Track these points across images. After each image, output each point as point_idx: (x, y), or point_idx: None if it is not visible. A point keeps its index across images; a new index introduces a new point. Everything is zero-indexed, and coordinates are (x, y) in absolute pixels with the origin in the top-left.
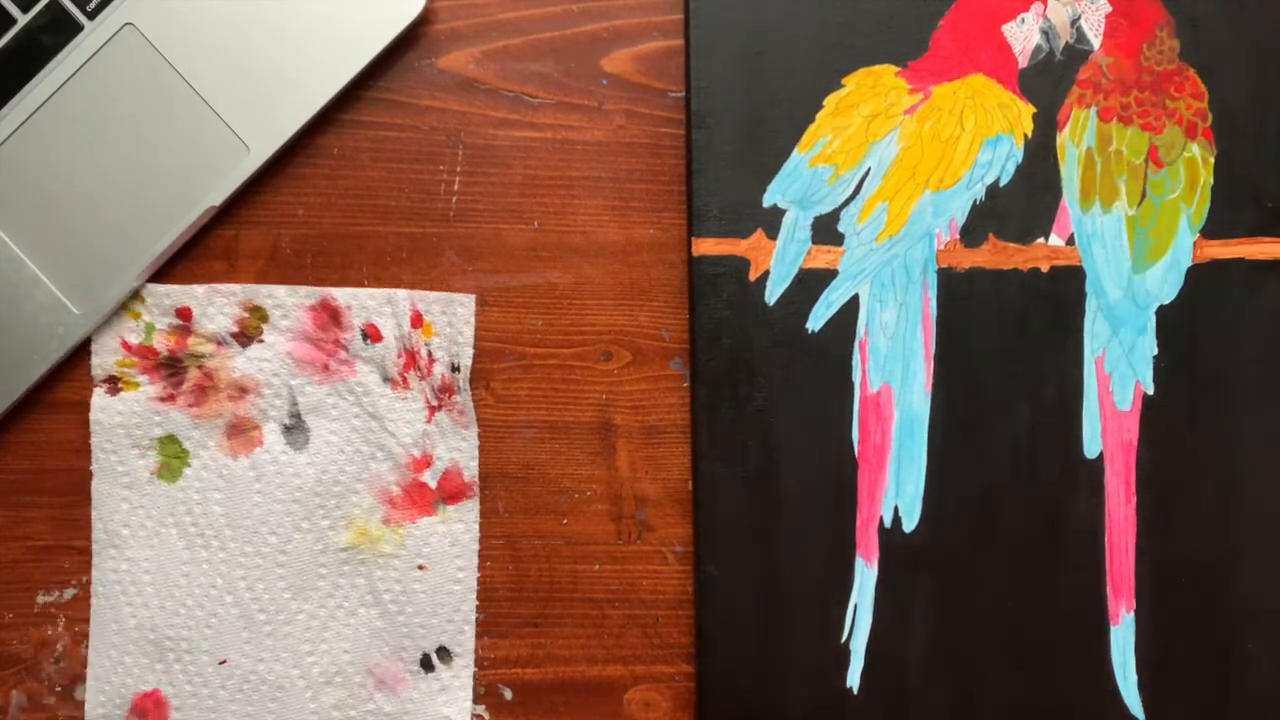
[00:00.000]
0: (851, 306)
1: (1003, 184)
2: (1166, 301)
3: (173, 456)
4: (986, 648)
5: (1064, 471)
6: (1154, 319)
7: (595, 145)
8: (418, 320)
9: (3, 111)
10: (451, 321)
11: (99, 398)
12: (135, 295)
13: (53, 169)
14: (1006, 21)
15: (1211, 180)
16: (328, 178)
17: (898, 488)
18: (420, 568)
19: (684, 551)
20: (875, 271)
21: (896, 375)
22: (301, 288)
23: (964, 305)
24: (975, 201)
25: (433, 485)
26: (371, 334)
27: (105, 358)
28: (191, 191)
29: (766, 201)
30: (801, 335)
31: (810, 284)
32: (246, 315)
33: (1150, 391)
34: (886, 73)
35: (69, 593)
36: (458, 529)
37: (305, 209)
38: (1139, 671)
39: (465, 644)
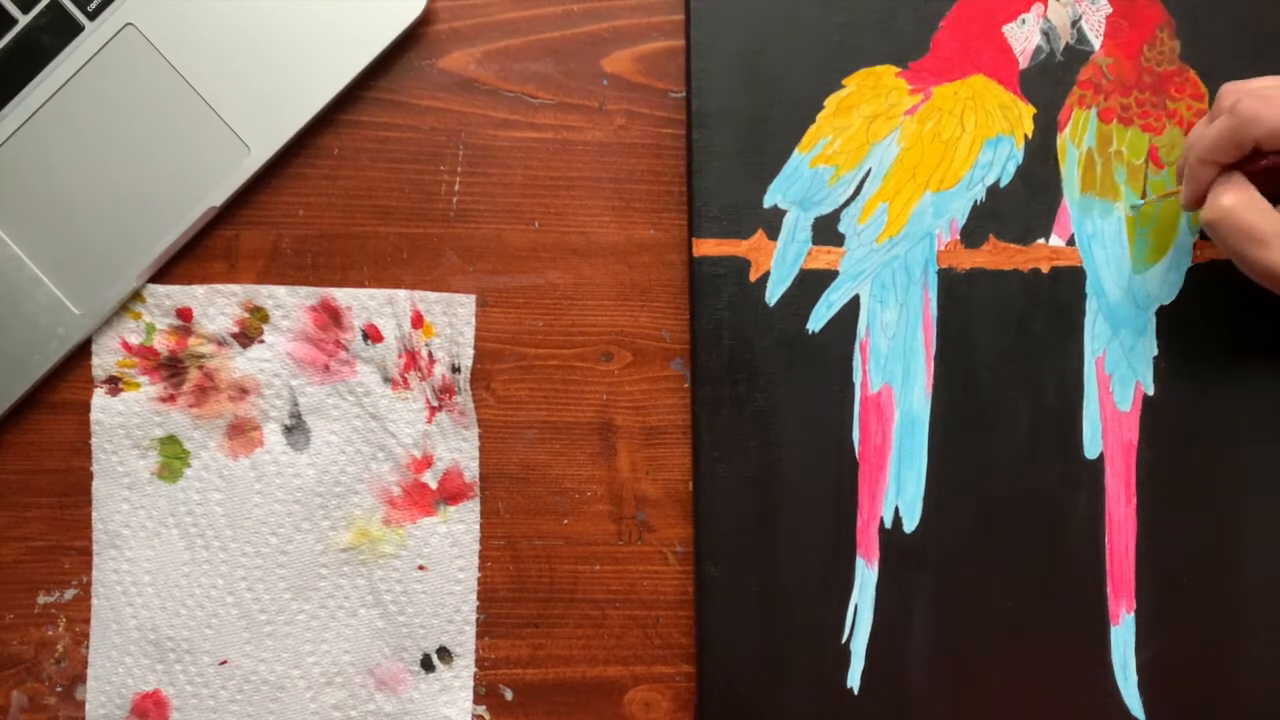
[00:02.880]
0: (852, 307)
1: (1003, 185)
2: (1166, 302)
3: (173, 457)
4: (986, 648)
5: (1064, 472)
6: (1154, 320)
7: (595, 145)
8: (418, 321)
9: (3, 112)
10: (452, 322)
11: (99, 398)
12: (135, 295)
13: (53, 169)
14: (1007, 22)
15: None
16: (328, 178)
17: (898, 488)
18: (421, 568)
19: (684, 551)
20: (876, 272)
21: (897, 375)
22: (302, 288)
23: (964, 306)
24: (975, 202)
25: (433, 486)
26: (372, 334)
27: (106, 358)
28: (191, 191)
29: (767, 202)
30: (802, 336)
31: (811, 285)
32: (247, 315)
33: (1150, 392)
34: (887, 73)
35: (69, 593)
36: (458, 529)
37: (305, 209)
38: (1139, 671)
39: (466, 644)
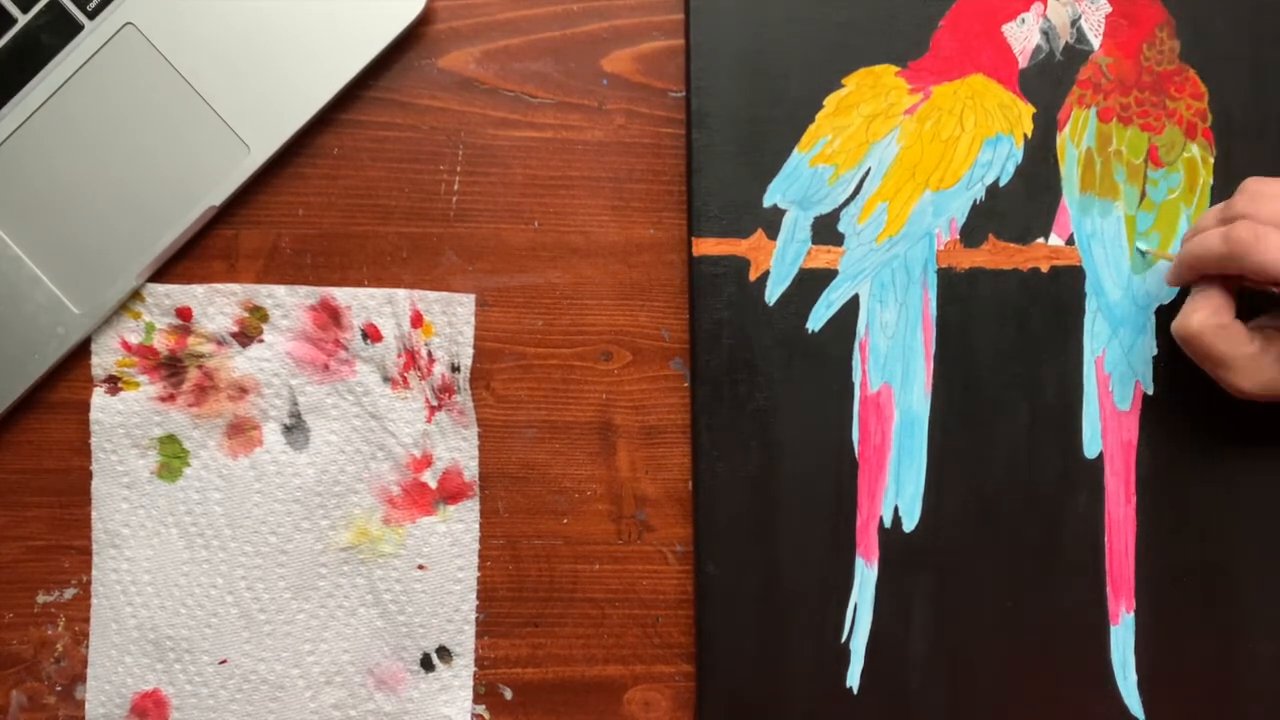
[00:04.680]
0: (851, 306)
1: (1002, 184)
2: (1166, 301)
3: (173, 456)
4: (987, 648)
5: (1064, 471)
6: (1154, 319)
7: (595, 145)
8: (418, 320)
9: (3, 111)
10: (451, 321)
11: (99, 397)
12: (135, 295)
13: (53, 169)
14: (1006, 21)
15: (1211, 180)
16: (328, 178)
17: (898, 488)
18: (420, 567)
19: (684, 551)
20: (875, 271)
21: (896, 375)
22: (301, 287)
23: (964, 305)
24: (975, 201)
25: (433, 485)
26: (371, 334)
27: (105, 357)
28: (191, 191)
29: (766, 201)
30: (801, 335)
31: (810, 284)
32: (246, 315)
33: (1150, 391)
34: (886, 73)
35: (69, 592)
36: (458, 529)
37: (305, 209)
38: (1139, 671)
39: (465, 644)
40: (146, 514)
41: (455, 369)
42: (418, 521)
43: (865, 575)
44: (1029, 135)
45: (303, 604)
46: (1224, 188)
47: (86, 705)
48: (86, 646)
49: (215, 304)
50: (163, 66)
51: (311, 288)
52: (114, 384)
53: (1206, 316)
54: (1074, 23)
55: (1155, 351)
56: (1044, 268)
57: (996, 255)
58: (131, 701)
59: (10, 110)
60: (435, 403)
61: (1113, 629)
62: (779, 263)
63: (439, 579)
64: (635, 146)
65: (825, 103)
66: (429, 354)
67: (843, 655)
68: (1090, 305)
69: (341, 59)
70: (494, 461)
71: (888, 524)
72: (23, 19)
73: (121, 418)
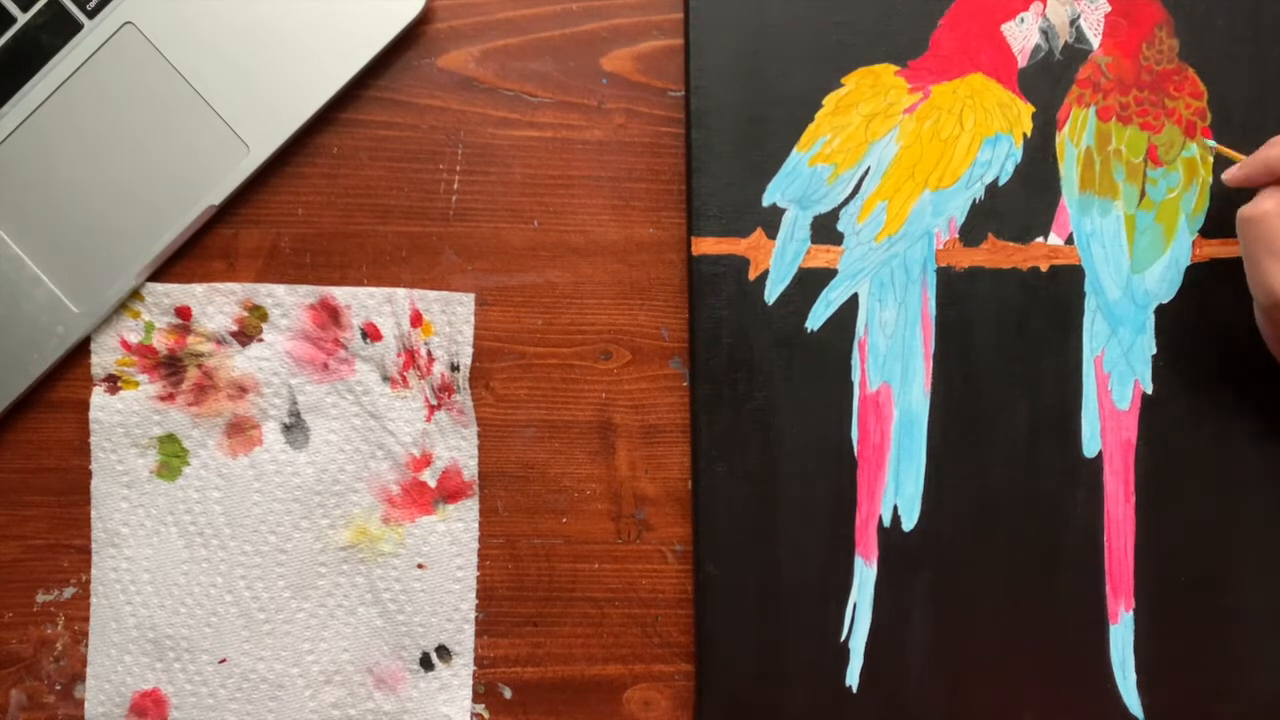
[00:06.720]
0: (851, 306)
1: (1002, 183)
2: (1165, 300)
3: (172, 455)
4: (985, 646)
5: (1063, 471)
6: (1153, 318)
7: (595, 145)
8: (417, 319)
9: (2, 110)
10: (451, 321)
11: (98, 397)
12: (135, 294)
13: (53, 168)
14: (1006, 21)
15: (1210, 179)
16: (327, 177)
17: (897, 487)
18: (420, 567)
19: (684, 551)
20: (874, 271)
21: (896, 374)
22: (301, 287)
23: (963, 304)
24: (974, 201)
25: (432, 484)
26: (371, 333)
27: (105, 357)
28: (191, 191)
29: (766, 201)
30: (801, 334)
31: (810, 283)
32: (246, 314)
33: (1149, 391)
34: (886, 72)
35: (69, 592)
36: (457, 528)
37: (305, 208)
38: (1138, 671)
39: (465, 643)
40: (146, 513)
41: (455, 368)
42: (417, 521)
43: (865, 574)
44: (1028, 134)
45: (302, 603)
46: (1223, 187)
47: (86, 704)
48: (86, 646)
49: (215, 303)
50: (162, 66)
51: (311, 287)
52: (113, 383)
53: None
54: (1073, 22)
55: (1154, 351)
56: (1043, 267)
57: (996, 254)
58: (131, 700)
59: (10, 110)
60: (435, 402)
61: (1112, 628)
62: (778, 262)
63: (438, 578)
64: (635, 146)
65: (824, 102)
66: (428, 353)
67: (842, 654)
68: (1089, 304)
69: (341, 58)
70: (493, 461)
71: (887, 523)
72: (23, 18)
73: (121, 417)
